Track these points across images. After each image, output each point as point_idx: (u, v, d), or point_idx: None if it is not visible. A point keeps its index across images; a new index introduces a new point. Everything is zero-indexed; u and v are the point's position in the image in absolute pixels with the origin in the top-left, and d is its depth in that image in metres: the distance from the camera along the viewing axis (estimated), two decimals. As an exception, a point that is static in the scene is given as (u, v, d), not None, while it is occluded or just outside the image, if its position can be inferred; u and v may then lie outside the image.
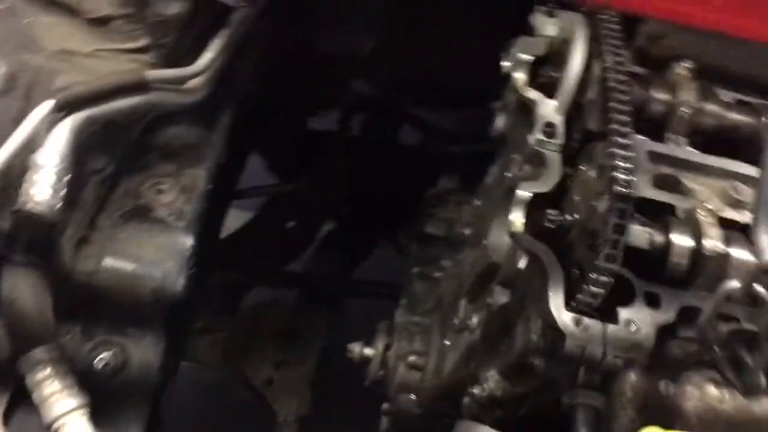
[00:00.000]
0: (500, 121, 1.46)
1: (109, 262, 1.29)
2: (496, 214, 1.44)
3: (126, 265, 1.29)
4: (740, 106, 1.26)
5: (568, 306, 0.98)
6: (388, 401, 1.86)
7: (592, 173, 1.05)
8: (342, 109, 2.56)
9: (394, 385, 1.74)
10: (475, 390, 1.27)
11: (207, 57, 1.38)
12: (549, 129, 1.13)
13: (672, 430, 0.96)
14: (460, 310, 1.53)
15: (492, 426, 1.31)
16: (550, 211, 1.07)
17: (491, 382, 1.22)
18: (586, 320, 0.97)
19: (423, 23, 1.83)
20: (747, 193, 1.15)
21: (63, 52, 1.29)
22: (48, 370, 1.06)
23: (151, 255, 1.31)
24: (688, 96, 1.19)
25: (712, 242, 1.02)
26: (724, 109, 1.22)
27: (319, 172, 2.55)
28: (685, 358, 1.03)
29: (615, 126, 1.00)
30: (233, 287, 2.37)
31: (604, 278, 0.95)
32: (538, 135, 1.14)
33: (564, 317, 0.97)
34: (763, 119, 1.20)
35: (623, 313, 0.99)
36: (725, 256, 1.01)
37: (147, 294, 1.29)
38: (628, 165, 0.96)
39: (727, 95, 1.27)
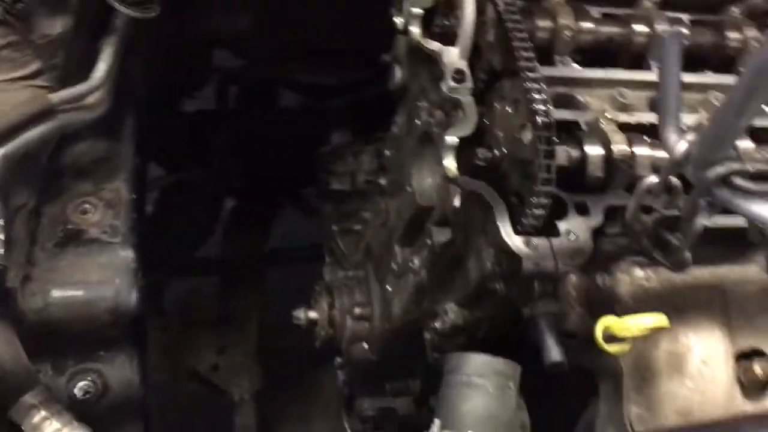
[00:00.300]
0: (398, 74, 1.53)
1: (56, 294, 1.28)
2: (413, 161, 1.53)
3: (75, 293, 1.29)
4: (609, 18, 1.39)
5: (516, 231, 1.10)
6: (340, 356, 1.95)
7: (509, 109, 1.15)
8: (217, 87, 2.54)
9: (345, 339, 1.83)
10: (437, 324, 1.38)
11: (102, 69, 1.36)
12: (458, 75, 1.22)
13: (619, 316, 1.10)
14: (397, 256, 1.63)
15: (455, 350, 1.43)
16: (479, 150, 1.17)
17: (451, 313, 1.33)
18: (535, 240, 1.09)
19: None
20: (632, 96, 1.30)
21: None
22: (43, 413, 1.06)
23: (96, 277, 1.31)
24: (567, 20, 1.31)
25: (619, 147, 1.16)
26: (597, 25, 1.35)
27: (206, 153, 2.54)
28: (617, 251, 1.18)
29: (523, 63, 1.11)
30: (152, 287, 2.35)
31: (543, 200, 1.06)
32: (449, 83, 1.22)
33: (515, 241, 1.08)
34: (659, 27, 1.33)
35: (561, 226, 1.12)
36: (633, 157, 1.16)
37: (104, 316, 1.30)
38: (543, 96, 1.07)
39: (595, 11, 1.40)
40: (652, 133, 1.22)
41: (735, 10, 1.46)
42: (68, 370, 1.23)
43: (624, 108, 1.28)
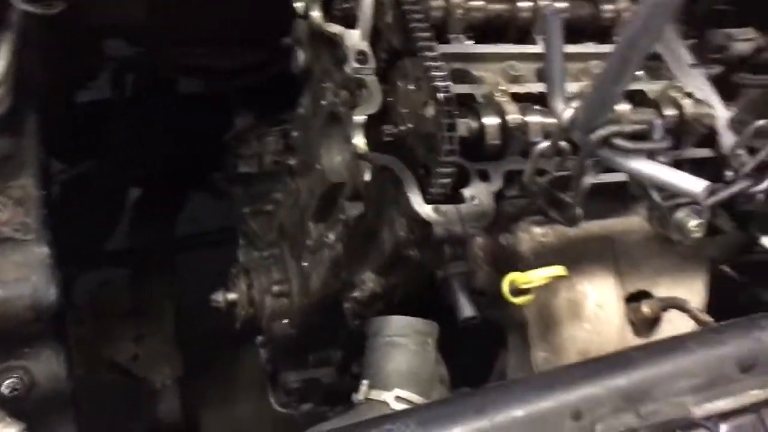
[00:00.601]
0: (301, 57, 1.58)
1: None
2: (321, 141, 1.59)
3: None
4: (496, -4, 1.49)
5: (425, 200, 1.18)
6: (261, 334, 2.00)
7: (411, 86, 1.22)
8: (112, 76, 2.50)
9: (265, 317, 1.88)
10: (356, 294, 1.45)
11: (0, 66, 1.34)
12: (361, 57, 1.28)
13: (521, 272, 1.21)
14: (311, 233, 1.69)
15: (375, 316, 1.52)
16: (385, 126, 1.24)
17: (369, 282, 1.41)
18: (443, 207, 1.18)
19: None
20: (522, 68, 1.40)
21: None
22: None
23: (13, 275, 1.31)
24: (457, -1, 1.39)
25: (513, 116, 1.26)
26: (486, 3, 1.44)
27: (104, 144, 2.50)
28: (517, 212, 1.29)
29: (422, 42, 1.18)
30: (62, 281, 2.31)
31: (448, 170, 1.15)
32: (352, 64, 1.29)
33: (425, 209, 1.17)
34: (541, 3, 1.43)
35: (466, 192, 1.21)
36: (525, 125, 1.26)
37: (24, 313, 1.30)
38: (442, 73, 1.15)
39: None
40: (542, 101, 1.34)
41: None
42: (-7, 369, 1.23)
43: (515, 80, 1.38)
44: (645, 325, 1.50)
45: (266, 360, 2.01)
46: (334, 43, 1.41)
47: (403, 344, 1.16)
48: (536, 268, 1.29)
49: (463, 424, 0.82)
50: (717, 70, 1.61)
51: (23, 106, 1.46)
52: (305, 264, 1.74)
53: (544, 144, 1.16)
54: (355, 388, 1.98)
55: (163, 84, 2.60)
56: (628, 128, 1.05)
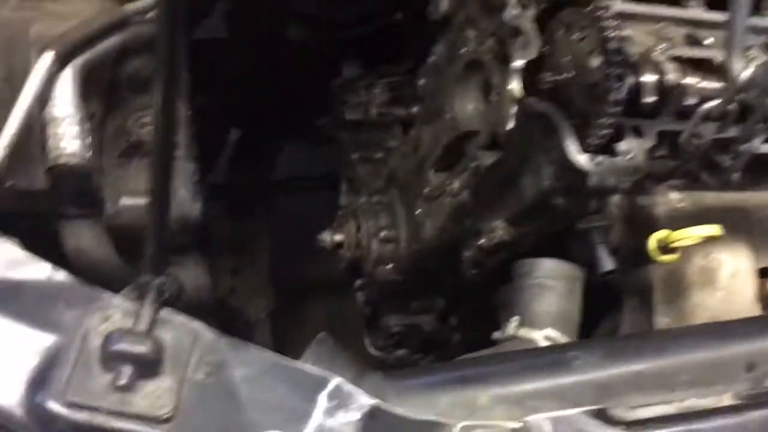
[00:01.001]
0: (442, 3, 1.59)
1: (126, 201, 1.32)
2: (455, 89, 1.60)
3: (143, 201, 1.33)
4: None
5: (582, 149, 1.19)
6: (362, 278, 2.04)
7: (575, 36, 1.22)
8: (226, 15, 2.53)
9: (370, 260, 1.92)
10: (482, 241, 1.47)
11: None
12: (524, 1, 1.28)
13: (671, 230, 1.21)
14: (431, 180, 1.70)
15: (495, 265, 1.54)
16: (546, 74, 1.25)
17: (499, 230, 1.42)
18: (599, 157, 1.18)
19: None
20: (675, 31, 1.39)
21: (29, 0, 1.25)
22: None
23: (162, 187, 1.35)
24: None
25: (671, 75, 1.25)
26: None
27: (215, 82, 2.54)
28: (666, 172, 1.29)
29: (595, -7, 1.18)
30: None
31: (610, 120, 1.15)
32: (512, 11, 1.29)
33: (582, 159, 1.17)
34: None
35: (621, 146, 1.21)
36: (683, 85, 1.25)
37: (172, 225, 1.34)
38: (615, 24, 1.15)
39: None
40: (696, 66, 1.32)
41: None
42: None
43: (668, 42, 1.37)
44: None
45: (364, 303, 2.05)
46: (487, -10, 1.42)
47: (553, 286, 1.18)
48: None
49: (646, 361, 0.83)
50: None
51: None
52: (419, 211, 1.77)
53: (713, 103, 1.15)
54: (450, 339, 2.02)
55: (273, 28, 2.62)
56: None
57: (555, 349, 0.92)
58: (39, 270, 0.93)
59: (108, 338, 0.90)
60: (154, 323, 0.95)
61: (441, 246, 1.69)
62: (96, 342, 0.91)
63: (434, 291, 1.94)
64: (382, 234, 1.89)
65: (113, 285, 1.14)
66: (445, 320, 1.94)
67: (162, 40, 0.81)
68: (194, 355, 0.95)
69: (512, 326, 1.15)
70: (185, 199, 1.34)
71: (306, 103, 2.55)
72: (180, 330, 0.95)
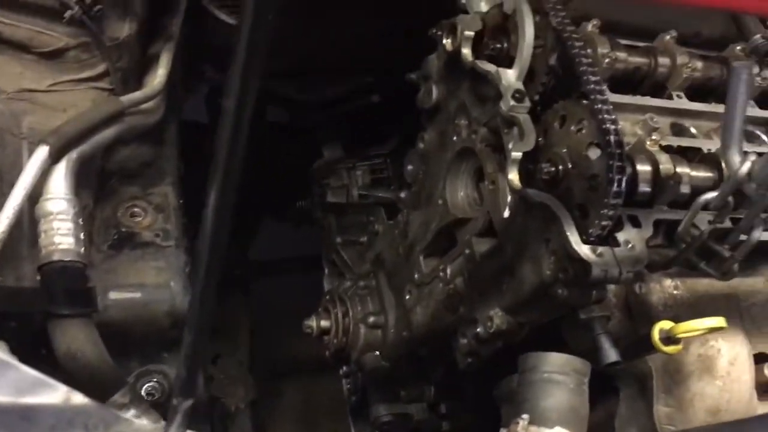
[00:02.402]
0: (434, 92, 1.61)
1: (114, 296, 1.28)
2: (446, 176, 1.61)
3: (132, 295, 1.30)
4: (634, 49, 1.51)
5: (582, 240, 1.19)
6: (349, 365, 1.99)
7: (572, 128, 1.24)
8: (206, 99, 2.54)
9: (358, 347, 1.87)
10: (478, 329, 1.45)
11: (161, 74, 1.37)
12: (519, 95, 1.30)
13: (677, 323, 1.20)
14: (420, 266, 1.69)
15: (489, 356, 1.51)
16: (543, 165, 1.26)
17: (496, 319, 1.40)
18: (600, 248, 1.18)
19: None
20: (661, 121, 1.42)
21: (21, 92, 1.23)
22: (133, 411, 1.06)
23: (153, 279, 1.32)
24: (604, 48, 1.42)
25: (665, 165, 1.28)
26: (628, 55, 1.47)
27: (196, 162, 2.53)
28: (664, 262, 1.29)
29: (593, 86, 1.21)
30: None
31: (611, 212, 1.16)
32: (509, 102, 1.31)
33: (584, 249, 1.17)
34: (679, 60, 1.44)
35: (620, 236, 1.22)
36: (677, 175, 1.27)
37: (162, 318, 1.31)
38: (613, 116, 1.17)
39: (622, 42, 1.52)
40: (682, 155, 1.35)
41: (738, 48, 1.60)
42: (133, 372, 1.23)
43: (656, 132, 1.40)
44: (763, 387, 1.49)
45: (349, 390, 2.00)
46: (479, 81, 1.44)
47: (563, 381, 1.15)
48: (665, 319, 1.29)
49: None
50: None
51: (168, 116, 1.49)
52: (408, 297, 1.74)
53: (711, 195, 1.17)
54: (440, 428, 1.97)
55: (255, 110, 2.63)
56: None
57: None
58: (54, 393, 0.87)
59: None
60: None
61: (432, 333, 1.66)
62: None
63: (424, 379, 1.90)
64: (370, 320, 1.86)
65: (105, 385, 1.09)
66: (435, 409, 1.90)
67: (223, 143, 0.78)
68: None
69: (522, 424, 1.12)
70: (177, 292, 1.31)
71: (286, 186, 2.55)
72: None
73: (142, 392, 1.22)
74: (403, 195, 1.83)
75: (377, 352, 1.87)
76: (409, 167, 1.79)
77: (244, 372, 2.20)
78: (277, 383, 2.46)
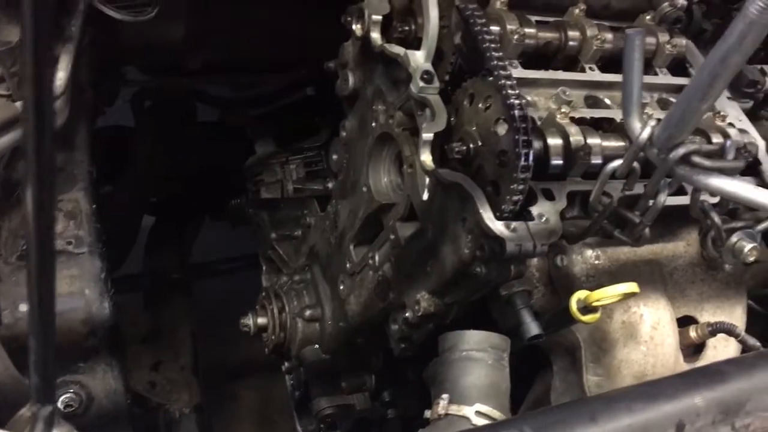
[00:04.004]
0: (350, 79, 1.59)
1: (25, 307, 1.24)
2: (369, 162, 1.60)
3: (46, 306, 1.25)
4: (544, 24, 1.52)
5: (496, 216, 1.19)
6: (290, 360, 1.97)
7: (480, 105, 1.24)
8: (131, 101, 2.49)
9: (297, 342, 1.86)
10: (407, 314, 1.44)
11: (62, 77, 1.33)
12: (427, 76, 1.30)
13: (590, 291, 1.21)
14: (351, 255, 1.68)
15: (423, 338, 1.51)
16: (454, 144, 1.25)
17: (423, 302, 1.40)
18: (514, 224, 1.18)
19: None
20: (575, 94, 1.43)
21: None
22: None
23: (66, 288, 1.29)
24: (513, 25, 1.42)
25: (576, 137, 1.28)
26: (538, 30, 1.47)
27: (123, 170, 2.48)
28: (580, 233, 1.30)
29: (496, 62, 1.20)
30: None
31: (522, 186, 1.16)
32: (418, 84, 1.30)
33: (498, 226, 1.17)
34: (589, 33, 1.45)
35: (534, 210, 1.22)
36: (587, 146, 1.28)
37: (78, 327, 1.27)
38: (516, 91, 1.17)
39: (532, 18, 1.53)
40: (596, 127, 1.36)
41: (647, 18, 1.62)
42: (49, 384, 1.19)
43: (568, 105, 1.41)
44: (691, 350, 1.51)
45: (292, 386, 1.98)
46: (391, 65, 1.43)
47: (481, 358, 1.15)
48: (589, 289, 1.30)
49: (577, 430, 0.81)
50: (749, 103, 1.66)
51: (76, 120, 1.45)
52: (342, 287, 1.73)
53: (617, 163, 1.18)
54: (385, 416, 1.96)
55: (182, 111, 2.59)
56: (706, 147, 1.07)
57: (485, 429, 0.89)
58: None
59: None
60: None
61: (367, 322, 1.66)
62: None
63: (364, 368, 1.89)
64: (307, 313, 1.84)
65: (13, 400, 1.05)
66: (378, 397, 1.89)
67: (30, 138, 0.74)
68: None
69: (442, 404, 1.12)
70: (92, 300, 1.27)
71: (221, 185, 2.51)
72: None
73: (59, 404, 1.18)
74: (331, 185, 1.81)
75: (316, 346, 1.86)
76: (334, 156, 1.77)
77: (188, 376, 2.17)
78: (232, 386, 2.43)
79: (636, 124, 1.10)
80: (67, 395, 1.20)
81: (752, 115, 1.64)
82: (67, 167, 1.42)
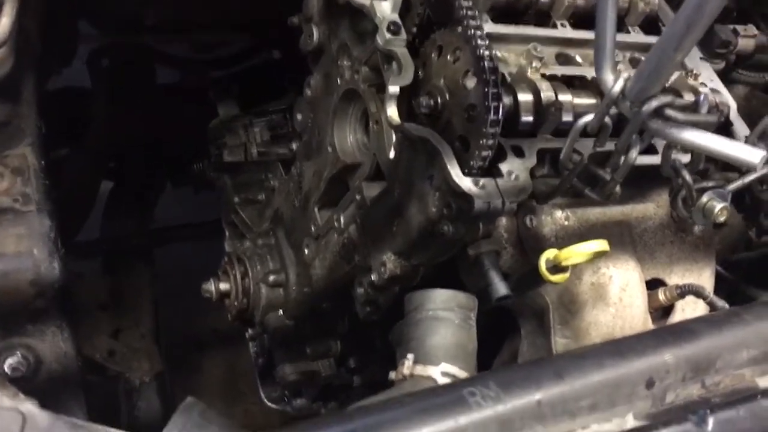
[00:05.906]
0: (315, 34, 1.53)
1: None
2: (334, 121, 1.54)
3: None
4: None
5: (463, 173, 1.15)
6: (253, 326, 1.93)
7: (449, 57, 1.19)
8: (87, 62, 2.40)
9: (260, 308, 1.81)
10: (373, 277, 1.40)
11: (5, 23, 1.25)
12: (394, 27, 1.25)
13: (558, 249, 1.18)
14: (316, 218, 1.63)
15: (389, 301, 1.47)
16: (421, 98, 1.21)
17: (389, 264, 1.36)
18: (482, 180, 1.14)
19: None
20: (547, 51, 1.39)
21: None
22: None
23: (13, 248, 1.22)
24: (479, -20, 1.36)
25: (546, 93, 1.24)
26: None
27: (79, 133, 2.39)
28: (550, 191, 1.27)
29: (466, 12, 1.15)
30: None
31: (491, 141, 1.12)
32: (385, 35, 1.25)
33: (466, 182, 1.13)
34: None
35: (503, 167, 1.18)
36: (558, 102, 1.24)
37: (26, 288, 1.21)
38: (485, 42, 1.13)
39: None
40: (567, 83, 1.33)
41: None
42: (-6, 348, 1.14)
43: (539, 62, 1.37)
44: (660, 312, 1.50)
45: (256, 353, 1.94)
46: (357, 17, 1.38)
47: (448, 318, 1.12)
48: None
49: (544, 389, 0.78)
50: (721, 64, 1.64)
51: (22, 72, 1.37)
52: (306, 251, 1.69)
53: (588, 118, 1.14)
54: (351, 383, 1.93)
55: (140, 73, 2.50)
56: (680, 101, 1.04)
57: (450, 387, 0.86)
58: None
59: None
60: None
61: (332, 286, 1.61)
62: None
63: (329, 334, 1.85)
64: (271, 278, 1.79)
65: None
66: (343, 363, 1.86)
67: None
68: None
69: (407, 364, 1.09)
70: (41, 260, 1.21)
71: (182, 149, 2.43)
72: (4, 416, 0.82)
73: (5, 368, 1.12)
74: (295, 146, 1.76)
75: (280, 311, 1.82)
76: (299, 116, 1.71)
77: (149, 344, 2.11)
78: (198, 355, 2.38)
79: (609, 77, 1.07)
80: (14, 358, 1.14)
81: (724, 76, 1.62)
82: (13, 121, 1.34)
